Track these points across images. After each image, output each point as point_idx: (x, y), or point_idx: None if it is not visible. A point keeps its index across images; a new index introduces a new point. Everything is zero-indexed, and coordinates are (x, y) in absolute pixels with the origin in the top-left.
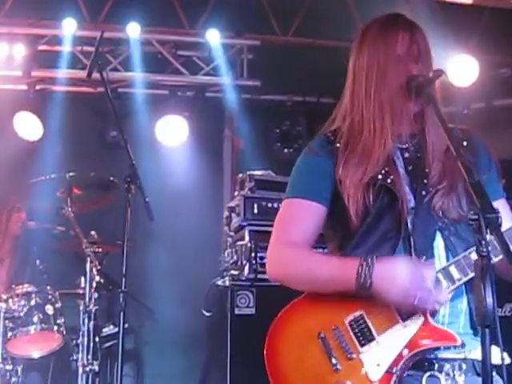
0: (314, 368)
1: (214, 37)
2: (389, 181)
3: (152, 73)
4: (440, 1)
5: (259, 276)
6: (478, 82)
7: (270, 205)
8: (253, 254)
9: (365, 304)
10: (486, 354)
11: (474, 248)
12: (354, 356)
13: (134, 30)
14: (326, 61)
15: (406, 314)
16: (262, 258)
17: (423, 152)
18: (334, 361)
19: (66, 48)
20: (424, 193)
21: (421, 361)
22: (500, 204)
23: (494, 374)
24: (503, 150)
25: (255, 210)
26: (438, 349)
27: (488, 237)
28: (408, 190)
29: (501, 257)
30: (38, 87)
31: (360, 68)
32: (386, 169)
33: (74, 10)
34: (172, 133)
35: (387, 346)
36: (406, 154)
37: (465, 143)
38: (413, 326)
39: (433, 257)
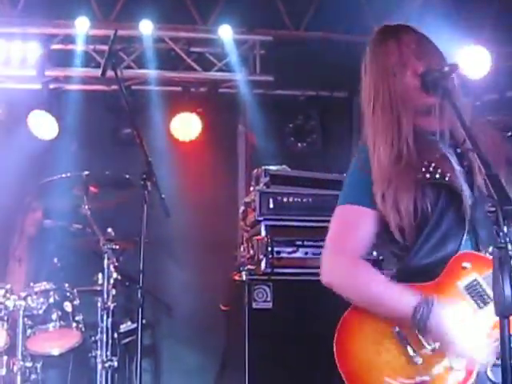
0: (391, 362)
1: (226, 33)
2: (447, 179)
3: (165, 70)
4: None
5: (276, 270)
6: (491, 73)
7: (285, 199)
8: (269, 249)
9: None
10: (504, 345)
11: None
12: (435, 347)
13: (146, 28)
14: (339, 55)
15: (482, 302)
16: (278, 253)
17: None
18: (412, 353)
19: (80, 47)
20: (478, 187)
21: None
22: None
23: None
24: None
25: (271, 205)
26: None
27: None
28: (466, 187)
29: None
30: (52, 86)
31: (370, 77)
32: (440, 169)
33: (86, 9)
34: (186, 129)
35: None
36: (458, 150)
37: (510, 133)
38: (491, 314)
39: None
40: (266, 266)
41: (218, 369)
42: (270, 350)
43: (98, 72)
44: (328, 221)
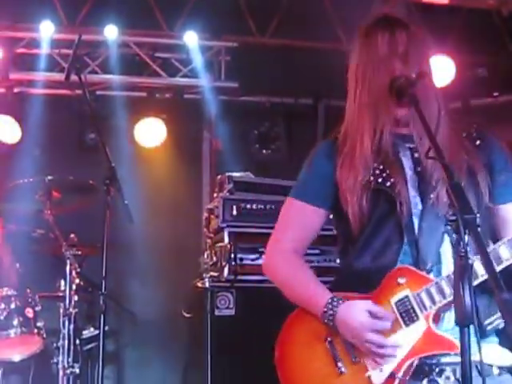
0: (321, 370)
1: (191, 39)
2: (388, 184)
3: (130, 75)
4: (417, 2)
5: (239, 277)
6: (455, 81)
7: (248, 206)
8: (232, 256)
9: None
10: (465, 352)
11: (479, 256)
12: (359, 360)
13: (111, 33)
14: (304, 62)
15: (408, 320)
16: (241, 260)
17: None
18: (339, 364)
19: (44, 51)
20: (432, 195)
21: (421, 365)
22: None
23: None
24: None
25: (234, 212)
26: (437, 355)
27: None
28: (414, 193)
29: None
30: (16, 90)
31: (351, 73)
32: (388, 171)
33: (51, 13)
34: (150, 135)
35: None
36: (416, 154)
37: (478, 142)
38: (415, 332)
39: (439, 263)
40: (228, 273)
41: (181, 376)
42: (233, 356)
43: (62, 76)
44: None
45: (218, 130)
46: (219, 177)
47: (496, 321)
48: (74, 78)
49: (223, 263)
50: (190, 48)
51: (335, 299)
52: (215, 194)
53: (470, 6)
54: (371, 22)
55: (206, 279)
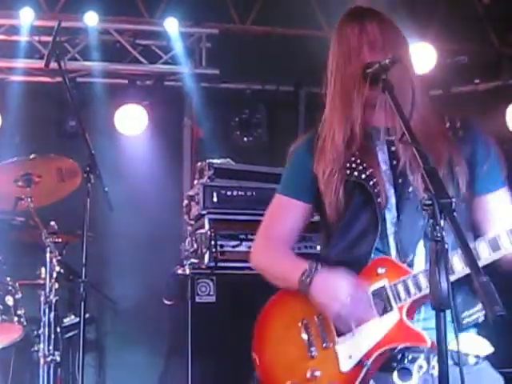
0: (294, 352)
1: (172, 25)
2: (363, 176)
3: (110, 62)
4: None
5: (219, 264)
6: (436, 69)
7: (229, 193)
8: (213, 243)
9: None
10: (440, 337)
11: (458, 251)
12: (330, 345)
13: (91, 19)
14: (285, 49)
15: (382, 310)
16: (221, 246)
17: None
18: (311, 348)
19: (24, 37)
20: (411, 189)
21: (394, 353)
22: (501, 194)
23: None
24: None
25: (214, 199)
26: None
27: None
28: (388, 186)
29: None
30: None
31: (328, 65)
32: (364, 164)
33: None
34: (131, 122)
35: (361, 339)
36: (393, 148)
37: (461, 133)
38: (388, 323)
39: (416, 255)
40: (209, 260)
41: (162, 363)
42: (213, 343)
43: (42, 63)
44: None
45: (199, 116)
46: (199, 163)
47: (474, 314)
48: (54, 65)
49: (204, 250)
50: (171, 35)
51: (314, 265)
52: (195, 181)
53: None
54: (344, 14)
55: (187, 266)
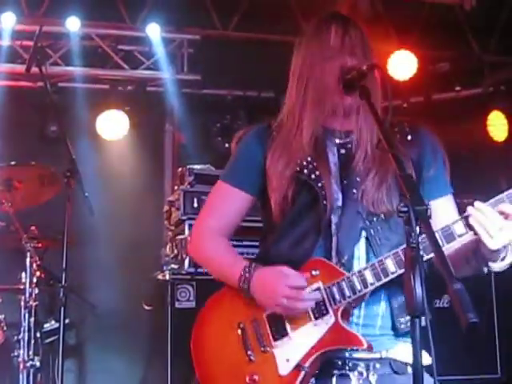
0: (232, 356)
1: (154, 31)
2: (313, 177)
3: (92, 67)
4: None
5: (199, 270)
6: (417, 76)
7: None
8: None
9: None
10: (415, 345)
11: (391, 253)
12: (268, 349)
13: (73, 24)
14: (267, 55)
15: (318, 313)
16: None
17: (358, 148)
18: (249, 352)
19: (5, 42)
20: (355, 191)
21: (334, 359)
22: (446, 200)
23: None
24: (441, 143)
25: (195, 204)
26: (345, 350)
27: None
28: (336, 188)
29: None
30: None
31: (295, 65)
32: (315, 164)
33: (13, 4)
34: (113, 127)
35: (298, 343)
36: (343, 150)
37: (409, 137)
38: (323, 326)
39: (353, 258)
40: (189, 266)
41: (142, 368)
42: None
43: (23, 68)
44: (252, 221)
45: (181, 122)
46: (180, 169)
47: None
48: (35, 69)
49: (184, 256)
50: (153, 40)
51: (253, 264)
52: (176, 187)
53: (433, 0)
54: (324, 17)
55: (167, 272)
